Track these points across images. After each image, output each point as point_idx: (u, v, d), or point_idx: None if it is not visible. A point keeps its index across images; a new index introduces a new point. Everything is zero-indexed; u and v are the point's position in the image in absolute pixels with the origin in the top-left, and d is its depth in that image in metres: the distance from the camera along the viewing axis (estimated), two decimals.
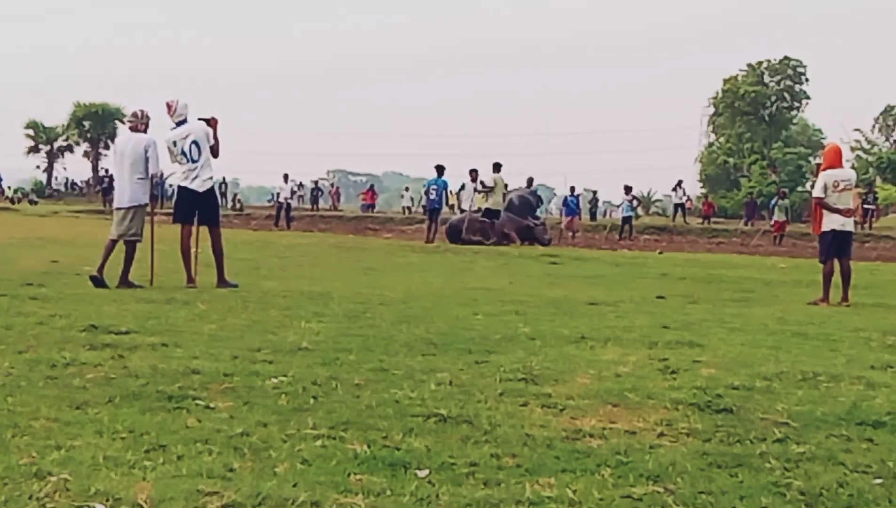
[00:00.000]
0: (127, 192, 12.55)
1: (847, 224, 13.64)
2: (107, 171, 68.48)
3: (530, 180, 34.58)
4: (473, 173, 30.12)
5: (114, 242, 12.55)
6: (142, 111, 12.91)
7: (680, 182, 56.01)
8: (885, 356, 8.11)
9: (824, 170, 13.71)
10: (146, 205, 12.74)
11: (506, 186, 29.87)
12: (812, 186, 14.96)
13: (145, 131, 12.76)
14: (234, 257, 16.62)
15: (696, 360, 7.50)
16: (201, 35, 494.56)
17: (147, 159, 12.45)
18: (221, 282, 12.67)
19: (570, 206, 39.89)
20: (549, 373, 6.80)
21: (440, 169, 30.52)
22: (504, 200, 29.37)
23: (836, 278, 13.47)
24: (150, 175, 12.60)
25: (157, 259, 12.88)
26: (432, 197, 30.59)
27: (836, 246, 13.56)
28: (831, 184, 13.44)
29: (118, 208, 12.70)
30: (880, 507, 4.15)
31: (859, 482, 4.44)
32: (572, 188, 40.95)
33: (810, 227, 15.45)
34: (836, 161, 13.79)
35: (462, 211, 30.69)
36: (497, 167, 29.32)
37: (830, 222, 13.54)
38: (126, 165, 12.55)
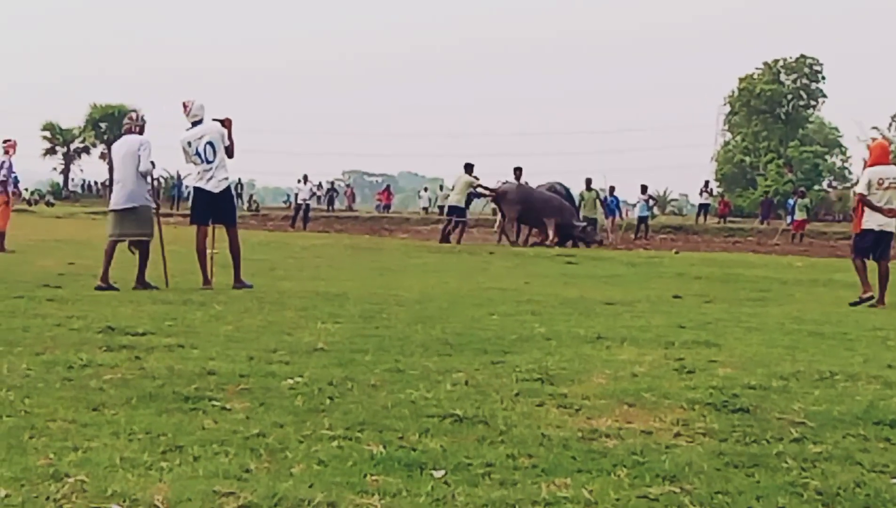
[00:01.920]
0: (124, 193, 12.51)
1: (888, 224, 13.18)
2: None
3: (588, 181, 33.89)
4: (518, 172, 29.89)
5: (114, 244, 12.54)
6: (137, 113, 13.04)
7: (707, 183, 56.08)
8: None
9: (870, 166, 13.41)
10: (149, 205, 12.71)
11: (472, 184, 29.40)
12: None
13: (141, 133, 12.77)
14: (251, 257, 16.64)
15: (712, 360, 7.48)
16: (217, 35, 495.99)
17: (139, 158, 12.39)
18: (237, 282, 12.70)
19: (610, 206, 39.01)
20: (565, 373, 6.80)
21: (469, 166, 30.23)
22: (464, 197, 29.23)
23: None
24: (142, 173, 12.53)
25: (169, 260, 12.92)
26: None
27: (876, 246, 13.25)
28: (876, 181, 13.07)
29: (114, 210, 12.67)
30: None
31: (876, 481, 4.42)
32: (612, 188, 40.19)
33: (852, 225, 15.09)
34: (882, 158, 13.44)
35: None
36: (468, 168, 29.32)
37: (871, 220, 13.18)
38: (121, 167, 12.58)
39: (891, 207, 13.15)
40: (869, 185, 13.09)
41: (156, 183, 13.54)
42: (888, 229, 13.22)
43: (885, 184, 13.06)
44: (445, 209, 30.06)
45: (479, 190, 29.59)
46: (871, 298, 12.84)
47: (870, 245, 13.21)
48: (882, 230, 13.17)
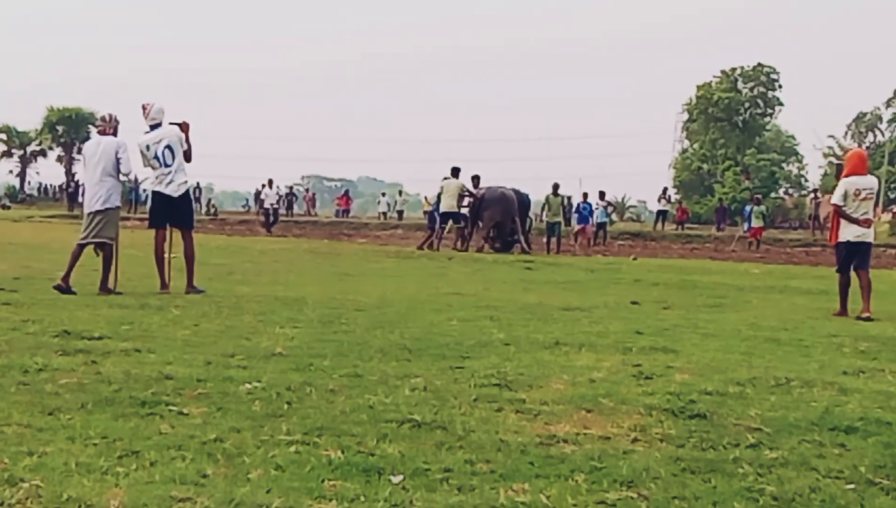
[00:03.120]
0: (100, 195, 12.37)
1: (865, 235, 12.81)
2: (73, 176, 68.19)
3: (556, 186, 32.95)
4: (476, 180, 29.74)
5: (81, 247, 12.43)
6: (111, 115, 12.80)
7: (665, 190, 56.47)
8: (858, 362, 8.16)
9: (846, 176, 12.89)
10: (119, 208, 12.64)
11: (463, 189, 28.92)
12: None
13: (115, 134, 12.64)
14: (209, 261, 16.59)
15: (669, 366, 7.52)
16: (175, 40, 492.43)
17: (119, 161, 12.33)
18: (190, 287, 12.59)
19: (582, 213, 38.39)
20: (523, 379, 6.81)
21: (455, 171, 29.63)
22: (456, 201, 28.74)
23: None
24: (123, 174, 12.51)
25: (125, 264, 12.80)
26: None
27: (853, 257, 12.80)
28: (852, 192, 12.65)
29: (91, 212, 12.53)
30: None
31: (832, 487, 4.46)
32: (585, 195, 39.52)
33: (827, 236, 14.77)
34: (859, 167, 12.95)
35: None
36: (456, 172, 28.99)
37: (847, 232, 12.76)
38: (97, 169, 12.39)
39: (867, 217, 12.83)
40: (845, 196, 12.69)
41: (131, 188, 13.45)
42: (866, 239, 12.86)
43: (862, 195, 12.69)
44: (438, 216, 29.32)
45: (465, 195, 29.14)
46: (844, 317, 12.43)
47: (850, 258, 12.81)
48: (860, 241, 12.79)
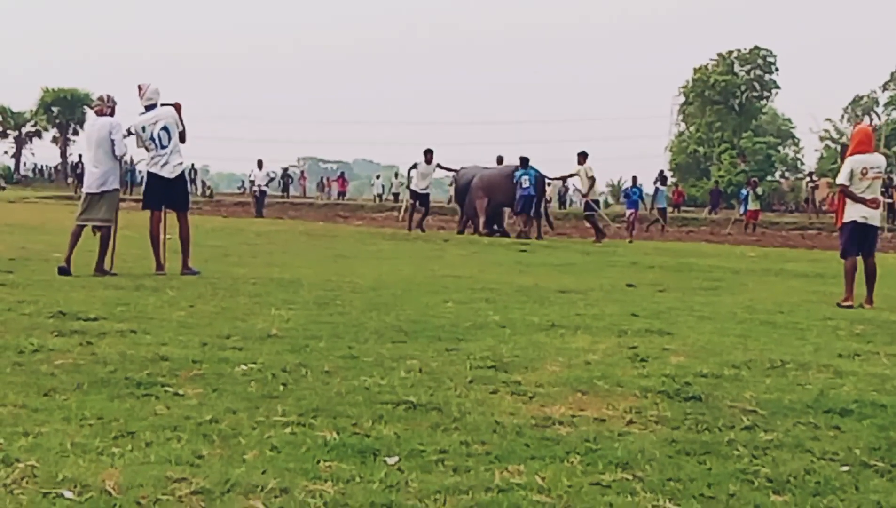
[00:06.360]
0: (97, 176, 12.34)
1: (872, 217, 12.01)
2: (80, 156, 67.91)
3: (524, 160, 32.25)
4: (428, 155, 28.80)
5: (81, 228, 12.40)
6: (107, 95, 12.74)
7: (661, 172, 56.27)
8: (853, 345, 8.17)
9: (852, 154, 12.15)
10: (118, 190, 12.60)
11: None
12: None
13: (112, 115, 12.58)
14: (204, 243, 16.56)
15: (665, 348, 7.53)
16: (172, 21, 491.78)
17: (112, 142, 12.28)
18: (185, 269, 12.56)
19: (632, 197, 37.13)
20: (518, 361, 6.82)
21: (525, 160, 28.10)
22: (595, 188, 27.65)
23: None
24: (117, 157, 12.46)
25: (119, 245, 12.78)
26: (525, 187, 27.58)
27: (858, 240, 11.98)
28: (859, 171, 11.83)
29: (89, 194, 12.50)
30: (847, 494, 4.18)
31: (826, 469, 4.47)
32: (634, 179, 38.36)
33: (822, 219, 14.18)
34: (866, 145, 12.24)
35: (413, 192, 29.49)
36: (583, 157, 27.65)
37: (853, 212, 11.95)
38: (94, 150, 12.35)
39: (874, 197, 12.06)
40: (851, 175, 11.87)
41: (127, 170, 13.45)
42: (873, 222, 12.10)
43: (870, 174, 11.90)
44: (585, 204, 28.00)
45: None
46: (851, 307, 11.61)
47: (855, 240, 12.00)
48: (866, 223, 11.98)
